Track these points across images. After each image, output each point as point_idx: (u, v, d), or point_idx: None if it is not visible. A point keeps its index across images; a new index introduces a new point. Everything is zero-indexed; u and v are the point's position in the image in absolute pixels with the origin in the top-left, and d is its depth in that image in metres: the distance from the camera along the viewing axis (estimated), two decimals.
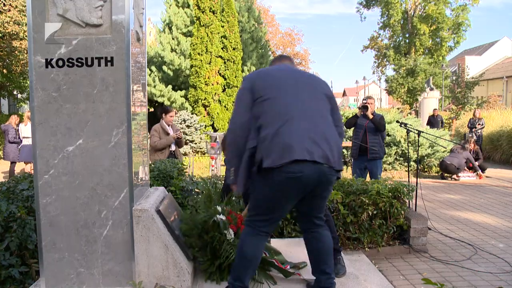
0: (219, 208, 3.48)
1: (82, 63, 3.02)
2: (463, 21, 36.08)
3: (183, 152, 14.07)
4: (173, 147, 7.49)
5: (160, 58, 20.50)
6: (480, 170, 11.06)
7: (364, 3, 39.56)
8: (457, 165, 10.70)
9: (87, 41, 3.02)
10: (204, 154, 12.10)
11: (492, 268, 4.74)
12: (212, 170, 9.33)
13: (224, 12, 16.59)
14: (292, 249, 4.07)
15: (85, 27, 3.02)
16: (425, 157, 11.86)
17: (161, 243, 3.13)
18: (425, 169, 12.11)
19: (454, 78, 35.26)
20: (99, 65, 3.03)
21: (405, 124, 6.95)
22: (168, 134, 7.40)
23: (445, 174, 11.04)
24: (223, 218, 3.35)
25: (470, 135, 13.19)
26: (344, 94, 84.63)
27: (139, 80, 3.41)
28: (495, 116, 16.01)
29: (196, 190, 5.11)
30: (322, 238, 3.11)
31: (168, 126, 7.48)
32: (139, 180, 3.39)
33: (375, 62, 41.36)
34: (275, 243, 4.14)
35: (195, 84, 16.08)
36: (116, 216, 3.10)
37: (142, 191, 3.48)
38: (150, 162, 6.40)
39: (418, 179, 6.72)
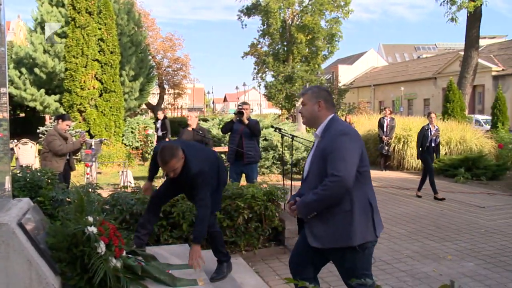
0: (90, 219, 3.34)
1: None
2: (336, 33, 38.51)
3: None
4: (67, 155, 7.09)
5: (31, 60, 19.17)
6: None
7: (245, 11, 40.52)
8: None
9: None
10: (79, 161, 11.50)
11: None
12: (87, 178, 8.91)
13: (102, 13, 15.96)
14: (170, 256, 4.05)
15: None
16: (301, 161, 12.45)
17: (23, 259, 2.93)
18: (301, 172, 12.66)
19: (328, 85, 37.63)
20: None
21: (280, 129, 7.24)
22: (66, 139, 7.01)
23: None
24: (94, 230, 3.22)
25: None
26: (225, 99, 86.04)
27: None
28: (363, 121, 17.21)
29: (67, 199, 4.87)
30: None
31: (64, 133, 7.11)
32: None
33: (255, 68, 42.38)
34: (151, 250, 4.09)
35: (70, 88, 15.24)
36: None
37: (3, 203, 3.23)
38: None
39: (292, 182, 7.05)
